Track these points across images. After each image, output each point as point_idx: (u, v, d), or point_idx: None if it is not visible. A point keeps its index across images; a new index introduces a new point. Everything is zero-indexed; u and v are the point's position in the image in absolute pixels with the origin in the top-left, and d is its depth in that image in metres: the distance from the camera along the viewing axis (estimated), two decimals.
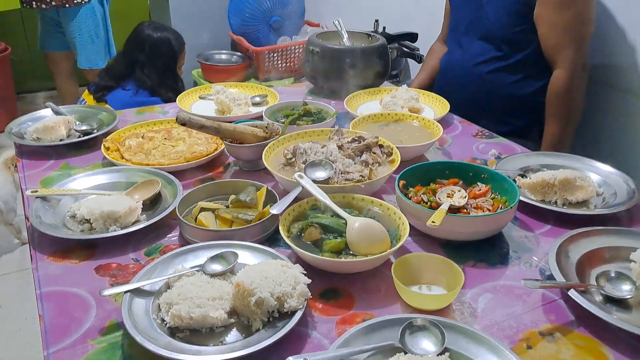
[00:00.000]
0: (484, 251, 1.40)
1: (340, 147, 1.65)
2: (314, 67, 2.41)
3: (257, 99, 2.31)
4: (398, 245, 1.27)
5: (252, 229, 1.37)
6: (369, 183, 1.51)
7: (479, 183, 1.58)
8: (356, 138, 1.68)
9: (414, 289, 1.24)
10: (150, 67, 2.99)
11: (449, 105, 2.17)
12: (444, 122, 2.12)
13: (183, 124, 1.64)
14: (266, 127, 1.82)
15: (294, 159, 1.62)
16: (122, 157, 1.77)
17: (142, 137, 1.88)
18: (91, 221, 1.43)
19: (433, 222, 1.29)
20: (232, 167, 1.81)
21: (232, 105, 2.14)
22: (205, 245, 1.32)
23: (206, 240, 1.36)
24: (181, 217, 1.40)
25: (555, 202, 1.60)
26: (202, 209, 1.46)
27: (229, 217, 1.42)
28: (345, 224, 1.33)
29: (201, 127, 1.67)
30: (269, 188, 1.52)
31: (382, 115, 2.02)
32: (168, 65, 3.07)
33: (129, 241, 1.41)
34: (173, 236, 1.45)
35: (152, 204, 1.57)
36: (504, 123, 2.30)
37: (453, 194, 1.52)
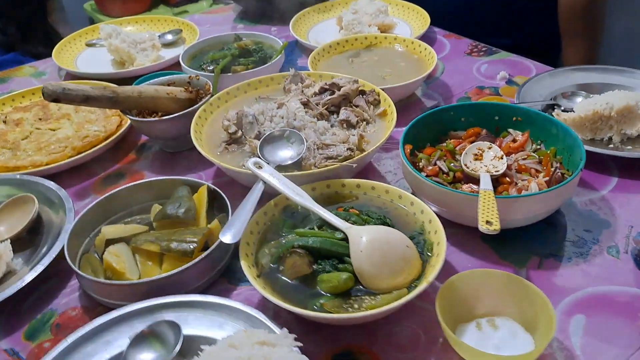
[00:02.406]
0: (545, 238, 0.95)
1: (306, 105, 1.11)
2: None
3: (169, 37, 1.68)
4: (437, 270, 0.78)
5: (196, 267, 0.85)
6: (362, 158, 0.99)
7: (510, 130, 1.10)
8: (326, 86, 1.14)
9: (471, 329, 0.78)
10: (6, 19, 2.07)
11: (428, 17, 1.64)
12: (424, 40, 1.60)
13: (56, 100, 1.04)
14: (188, 84, 1.24)
15: (240, 133, 1.07)
16: None
17: (4, 122, 1.26)
18: None
19: (488, 223, 0.80)
20: (150, 149, 1.24)
21: (133, 51, 1.51)
22: (124, 315, 0.79)
23: (124, 299, 0.83)
24: (76, 268, 0.85)
25: (610, 139, 1.15)
26: (109, 242, 0.91)
27: (155, 250, 0.89)
28: (344, 239, 0.83)
29: (86, 100, 1.07)
30: (212, 187, 0.97)
31: (347, 42, 1.47)
32: (33, 13, 2.18)
33: None
34: (70, 291, 0.91)
35: (30, 233, 1.00)
36: (496, 35, 1.78)
37: (482, 154, 1.04)
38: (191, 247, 0.87)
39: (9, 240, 0.93)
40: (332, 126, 1.09)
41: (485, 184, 0.91)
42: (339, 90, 1.12)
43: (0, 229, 0.99)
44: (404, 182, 1.07)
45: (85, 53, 1.66)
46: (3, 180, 1.07)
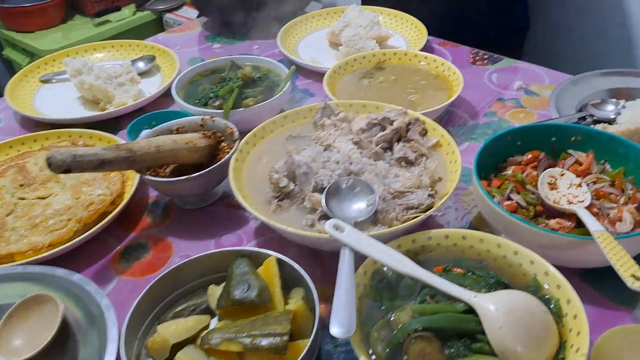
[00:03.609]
0: None
1: (357, 144, 0.98)
2: None
3: (141, 66, 1.47)
4: (586, 337, 0.69)
5: None
6: (445, 202, 0.88)
7: (570, 151, 1.03)
8: (376, 121, 1.01)
9: None
10: None
11: (423, 27, 1.55)
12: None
13: (66, 171, 0.84)
14: (202, 127, 1.07)
15: (292, 186, 0.92)
16: None
17: None
18: None
19: (635, 278, 0.72)
20: (165, 208, 1.06)
21: (110, 88, 1.30)
22: None
23: None
24: None
25: None
26: (175, 347, 0.74)
27: (238, 349, 0.73)
28: (468, 310, 0.72)
29: (101, 165, 0.88)
30: (283, 259, 0.82)
31: (355, 60, 1.34)
32: None
33: None
34: None
35: (55, 342, 0.80)
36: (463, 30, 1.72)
37: (555, 182, 0.96)
38: (282, 340, 0.72)
39: None
40: (390, 165, 0.97)
41: (593, 223, 0.83)
42: (391, 124, 1.00)
43: (15, 343, 0.78)
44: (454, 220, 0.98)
45: (42, 91, 1.41)
46: (4, 276, 0.85)
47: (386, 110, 1.03)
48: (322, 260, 0.91)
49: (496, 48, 1.67)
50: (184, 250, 0.96)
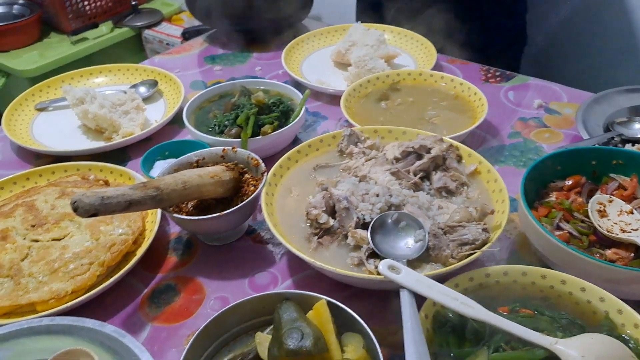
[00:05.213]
0: None
1: (395, 175, 0.93)
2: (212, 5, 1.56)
3: (143, 91, 1.39)
4: None
5: None
6: (498, 234, 0.84)
7: (611, 175, 1.00)
8: (411, 149, 0.96)
9: None
10: None
11: (432, 45, 1.51)
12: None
13: (93, 215, 0.77)
14: (222, 158, 1.00)
15: (332, 222, 0.86)
16: None
17: None
18: None
19: None
20: (188, 245, 0.98)
21: (115, 117, 1.22)
22: None
23: None
24: None
25: None
26: None
27: None
28: (548, 357, 0.67)
29: (128, 206, 0.81)
30: (334, 302, 0.76)
31: (368, 82, 1.30)
32: None
33: None
34: None
35: None
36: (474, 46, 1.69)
37: (604, 209, 0.93)
38: None
39: None
40: (430, 195, 0.92)
41: None
42: (428, 152, 0.95)
43: None
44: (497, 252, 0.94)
45: (39, 120, 1.32)
46: (26, 330, 0.76)
47: (420, 137, 0.99)
48: (364, 298, 0.85)
49: (492, 64, 1.66)
50: (217, 292, 0.89)
